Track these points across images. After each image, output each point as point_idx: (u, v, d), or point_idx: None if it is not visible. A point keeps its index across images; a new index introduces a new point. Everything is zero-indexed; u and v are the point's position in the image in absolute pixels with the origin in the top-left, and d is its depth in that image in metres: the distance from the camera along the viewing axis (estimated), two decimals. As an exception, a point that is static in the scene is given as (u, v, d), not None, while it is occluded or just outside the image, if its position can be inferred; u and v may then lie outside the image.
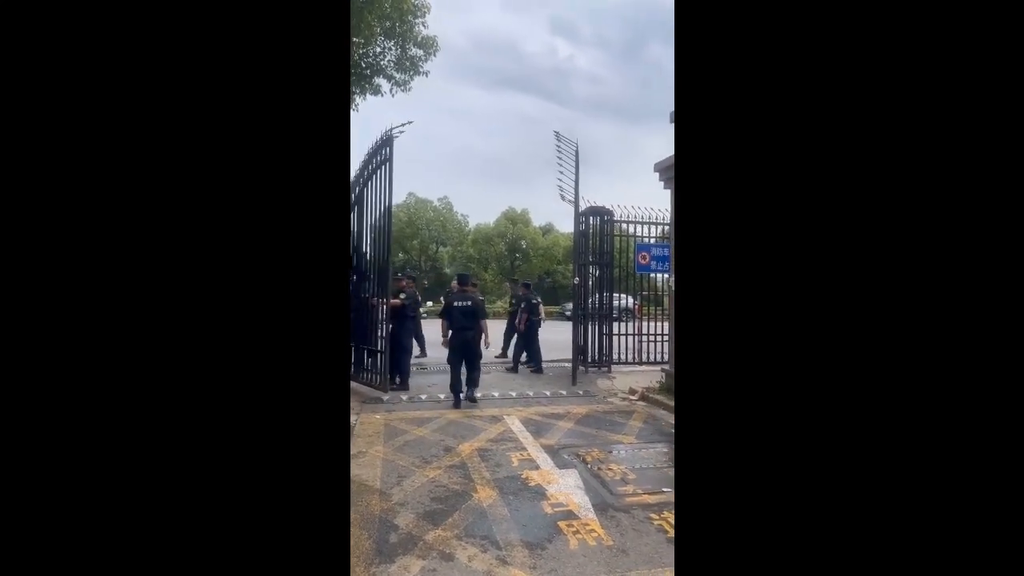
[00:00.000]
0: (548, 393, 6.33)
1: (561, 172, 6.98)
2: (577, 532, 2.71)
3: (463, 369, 5.59)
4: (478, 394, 5.78)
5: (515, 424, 4.88)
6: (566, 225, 34.24)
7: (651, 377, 7.04)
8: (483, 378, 6.54)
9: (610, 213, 8.19)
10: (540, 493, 3.22)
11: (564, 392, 6.41)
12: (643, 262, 8.48)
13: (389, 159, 6.05)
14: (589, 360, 7.94)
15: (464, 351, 5.54)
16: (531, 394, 6.26)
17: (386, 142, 6.06)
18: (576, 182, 6.84)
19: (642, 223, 8.27)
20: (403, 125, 6.03)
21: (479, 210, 56.65)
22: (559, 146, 6.94)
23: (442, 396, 5.97)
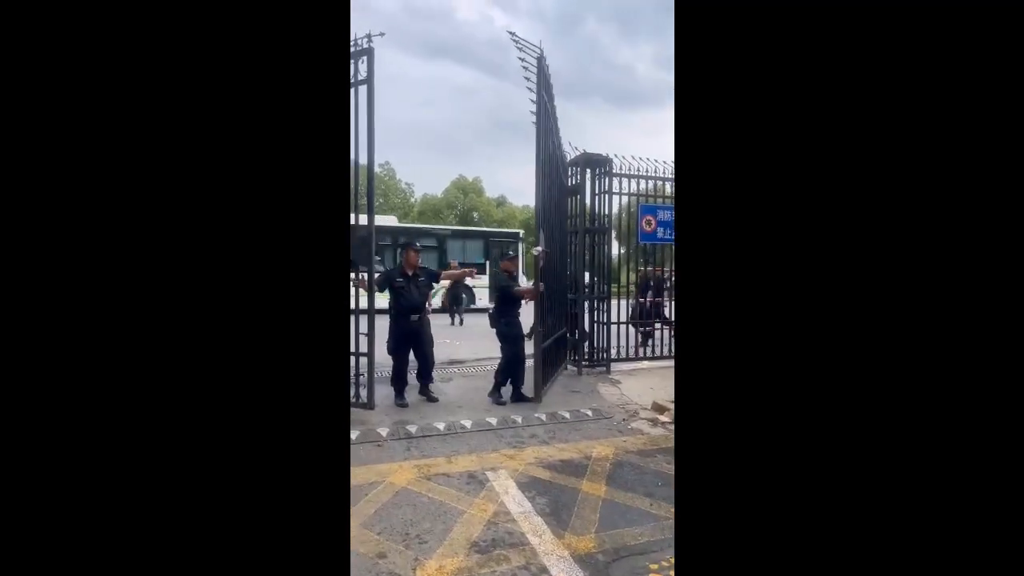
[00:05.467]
0: (543, 417, 4.33)
1: (530, 90, 4.84)
2: None
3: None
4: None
5: (511, 492, 2.88)
6: (519, 199, 32.35)
7: (665, 380, 5.24)
8: (444, 387, 5.05)
9: (608, 163, 6.22)
10: None
11: (566, 414, 4.42)
12: (648, 229, 6.61)
13: (368, 79, 4.11)
14: (584, 358, 6.04)
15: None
16: (519, 420, 4.23)
17: (361, 53, 4.09)
18: (538, 100, 4.72)
19: (653, 178, 6.35)
20: (374, 35, 4.09)
21: (422, 182, 53.62)
22: (522, 58, 4.77)
23: (383, 432, 3.86)
